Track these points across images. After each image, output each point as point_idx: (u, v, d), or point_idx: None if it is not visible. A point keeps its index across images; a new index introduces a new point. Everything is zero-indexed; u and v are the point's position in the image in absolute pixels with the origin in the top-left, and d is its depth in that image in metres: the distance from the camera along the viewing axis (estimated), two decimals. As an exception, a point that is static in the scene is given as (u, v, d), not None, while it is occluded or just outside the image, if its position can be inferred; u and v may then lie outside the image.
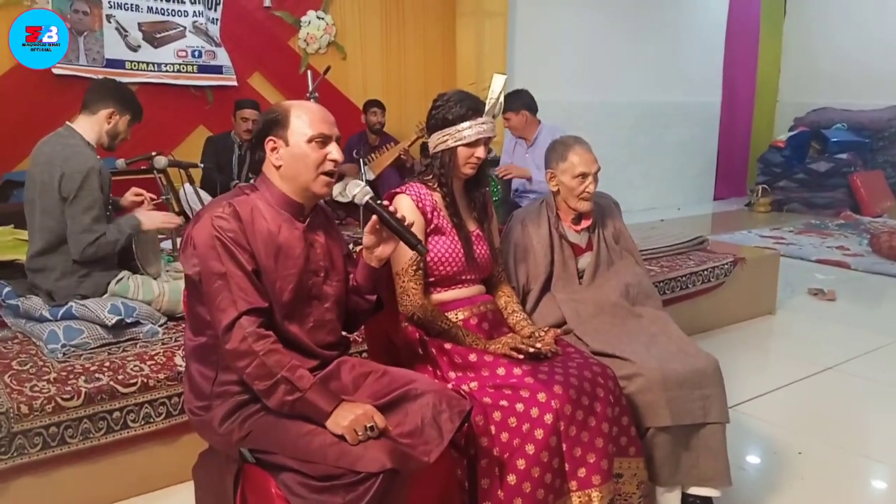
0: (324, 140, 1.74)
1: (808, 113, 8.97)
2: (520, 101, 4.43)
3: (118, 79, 3.23)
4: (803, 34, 9.46)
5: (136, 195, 3.06)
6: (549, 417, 1.87)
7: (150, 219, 2.92)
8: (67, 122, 2.83)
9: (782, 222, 7.70)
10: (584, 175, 2.44)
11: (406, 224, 1.76)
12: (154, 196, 3.16)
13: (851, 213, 7.83)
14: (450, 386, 1.96)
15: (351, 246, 2.02)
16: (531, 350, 2.02)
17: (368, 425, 1.54)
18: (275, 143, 1.74)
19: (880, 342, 4.05)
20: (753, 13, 9.26)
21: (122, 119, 2.85)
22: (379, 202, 1.77)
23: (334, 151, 1.75)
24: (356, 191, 1.79)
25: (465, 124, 2.13)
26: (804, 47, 9.43)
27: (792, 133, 8.79)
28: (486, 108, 2.17)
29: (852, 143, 8.30)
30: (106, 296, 2.79)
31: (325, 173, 1.75)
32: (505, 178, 4.44)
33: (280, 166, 1.75)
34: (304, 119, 1.73)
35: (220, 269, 1.63)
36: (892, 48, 8.48)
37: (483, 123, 2.14)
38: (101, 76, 4.43)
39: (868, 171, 8.22)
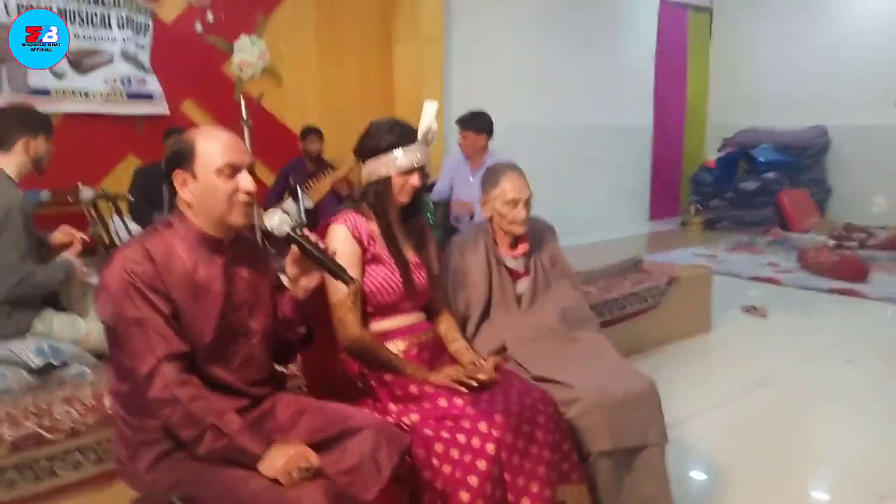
0: (233, 169, 1.65)
1: (736, 134, 9.27)
2: (482, 124, 4.47)
3: (43, 108, 3.11)
4: (730, 56, 9.80)
5: (66, 234, 2.93)
6: (490, 447, 1.85)
7: (82, 272, 2.81)
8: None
9: (715, 240, 7.92)
10: (515, 201, 2.46)
11: (331, 254, 1.72)
12: (84, 237, 3.03)
13: (780, 230, 8.09)
14: (390, 419, 1.93)
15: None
16: (474, 384, 1.99)
17: (304, 466, 1.50)
18: (183, 176, 1.66)
19: (811, 355, 4.17)
20: (681, 37, 9.57)
21: (37, 141, 2.73)
22: (300, 233, 1.71)
23: (245, 180, 1.66)
24: (275, 221, 1.70)
25: (399, 151, 2.12)
26: (731, 70, 9.77)
27: (721, 154, 9.07)
28: (419, 135, 2.16)
29: (779, 163, 8.60)
30: (30, 335, 2.67)
31: (240, 203, 1.67)
32: (458, 217, 4.43)
33: (190, 201, 1.67)
34: (212, 148, 1.64)
35: (135, 315, 1.56)
36: (814, 71, 8.85)
37: (416, 151, 2.13)
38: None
39: (794, 189, 8.52)
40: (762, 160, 8.57)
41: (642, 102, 9.04)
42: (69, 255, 2.84)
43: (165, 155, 1.72)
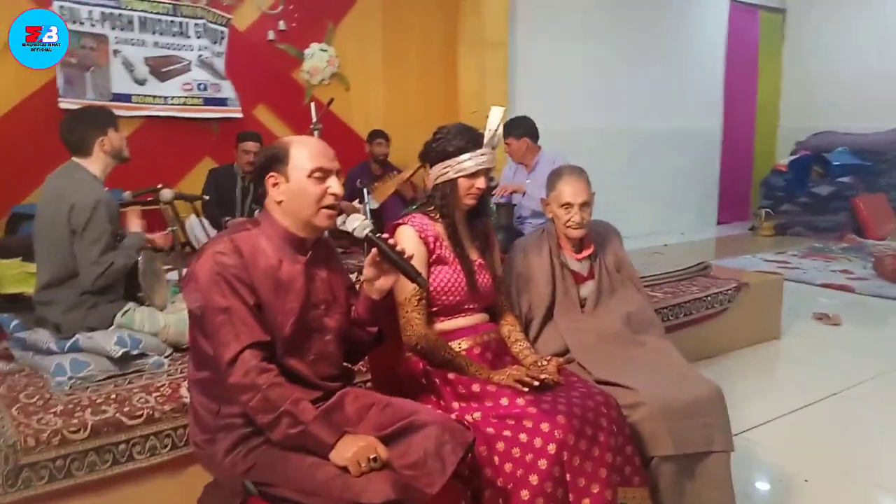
0: (323, 174, 1.76)
1: (810, 137, 9.01)
2: (521, 128, 4.49)
3: (124, 113, 3.26)
4: (803, 58, 9.53)
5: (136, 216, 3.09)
6: (552, 447, 1.87)
7: (156, 238, 3.01)
8: (73, 157, 2.87)
9: (786, 246, 7.71)
10: (568, 205, 2.48)
11: (406, 257, 1.78)
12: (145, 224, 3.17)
13: (855, 237, 7.82)
14: (453, 416, 1.97)
15: (354, 276, 2.04)
16: (535, 384, 2.02)
17: (371, 457, 1.55)
18: (276, 178, 1.77)
19: (886, 367, 4.03)
20: (752, 38, 9.36)
21: (109, 137, 2.86)
22: (378, 235, 1.79)
23: (335, 185, 1.78)
24: (356, 224, 1.81)
25: (465, 156, 2.16)
26: (803, 72, 9.50)
27: (793, 157, 8.82)
28: (485, 139, 2.20)
29: (854, 167, 8.32)
30: (112, 328, 2.81)
31: (326, 206, 1.77)
32: (502, 196, 4.50)
33: (281, 201, 1.77)
34: (304, 154, 1.76)
35: (222, 304, 1.66)
36: (890, 72, 8.54)
37: (482, 155, 2.17)
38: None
39: (871, 194, 8.23)
40: (837, 164, 8.29)
41: (711, 105, 8.87)
42: (133, 229, 2.98)
43: (258, 160, 1.83)
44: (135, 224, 3.06)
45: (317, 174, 1.75)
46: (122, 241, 2.90)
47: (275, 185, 1.78)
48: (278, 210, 1.79)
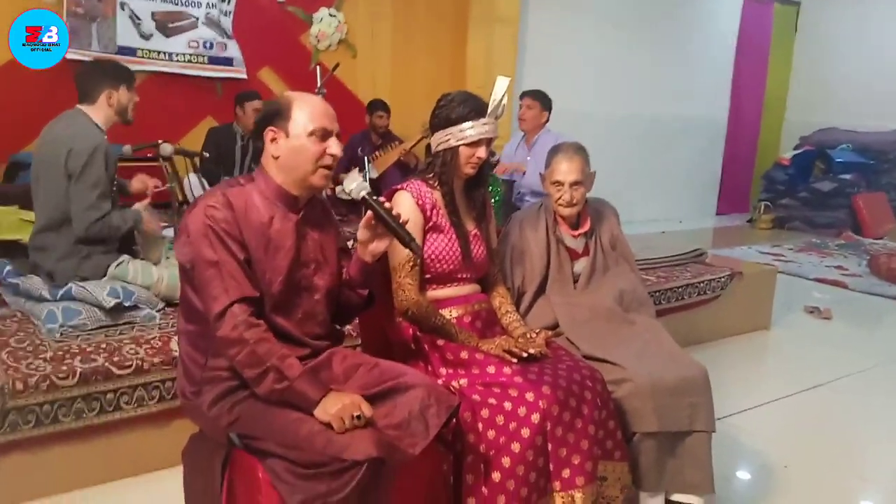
0: (324, 134, 1.75)
1: (815, 132, 9.00)
2: (549, 101, 4.54)
3: (130, 66, 3.25)
4: (814, 53, 9.48)
5: (142, 182, 3.11)
6: (535, 417, 1.89)
7: (150, 222, 3.00)
8: (77, 105, 2.86)
9: (783, 240, 7.72)
10: (559, 183, 2.47)
11: (402, 222, 1.78)
12: (159, 183, 3.20)
13: (852, 234, 7.84)
14: (440, 382, 1.99)
15: (351, 243, 2.03)
16: (524, 355, 2.03)
17: (356, 414, 1.56)
18: (275, 133, 1.75)
19: (873, 362, 4.06)
20: (765, 30, 9.29)
21: (120, 93, 2.88)
22: (375, 198, 1.78)
23: (334, 146, 1.76)
24: (353, 185, 1.79)
25: (468, 124, 2.15)
26: (814, 66, 9.45)
27: (797, 151, 8.81)
28: (489, 109, 2.19)
29: (857, 165, 8.31)
30: (106, 278, 2.82)
31: (324, 166, 1.76)
32: (501, 174, 4.50)
33: (278, 157, 1.76)
34: (307, 112, 1.74)
35: (212, 258, 1.65)
36: (901, 71, 8.51)
37: (485, 124, 2.16)
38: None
39: (871, 193, 8.23)
40: (839, 161, 8.29)
41: (719, 95, 8.83)
42: (139, 207, 3.00)
43: (259, 113, 1.81)
44: (140, 181, 3.08)
45: (318, 133, 1.74)
46: (125, 209, 2.91)
47: (273, 139, 1.76)
48: (274, 165, 1.78)
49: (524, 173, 4.47)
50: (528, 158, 4.51)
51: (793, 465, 2.84)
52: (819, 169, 8.51)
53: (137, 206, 3.03)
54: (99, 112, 2.85)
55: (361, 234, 1.82)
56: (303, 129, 1.73)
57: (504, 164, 4.57)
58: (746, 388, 3.57)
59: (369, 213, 1.78)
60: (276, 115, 1.75)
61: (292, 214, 1.80)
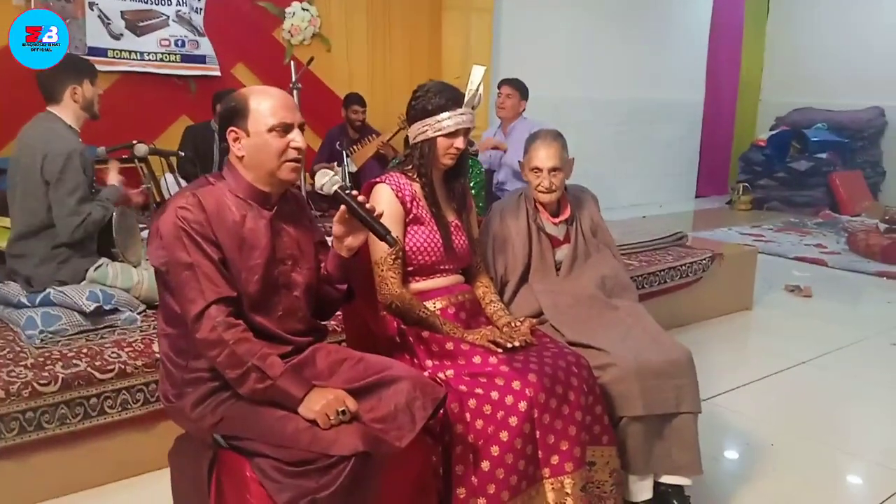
0: (285, 128, 1.70)
1: (790, 112, 9.07)
2: (526, 90, 4.55)
3: (100, 68, 3.20)
4: (787, 33, 9.53)
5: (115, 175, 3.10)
6: (523, 405, 1.89)
7: (129, 192, 3.03)
8: (48, 108, 2.82)
9: (762, 220, 7.79)
10: (537, 169, 2.48)
11: (376, 214, 1.75)
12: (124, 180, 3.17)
13: (830, 212, 7.92)
14: (426, 373, 1.98)
15: (331, 241, 2.01)
16: (509, 346, 2.03)
17: (340, 409, 1.56)
18: (236, 133, 1.72)
19: (854, 338, 4.11)
20: (737, 12, 9.32)
21: (84, 87, 2.84)
22: (348, 192, 1.75)
23: (297, 138, 1.72)
24: (325, 180, 1.77)
25: (445, 115, 2.14)
26: (787, 47, 9.50)
27: (773, 132, 8.87)
28: (466, 99, 2.18)
29: (832, 143, 8.38)
30: (84, 282, 2.79)
31: (290, 160, 1.72)
32: (483, 151, 4.54)
33: (243, 156, 1.73)
34: (265, 107, 1.70)
35: (186, 260, 1.63)
36: (874, 49, 8.57)
37: (462, 114, 2.16)
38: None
39: (847, 171, 8.32)
40: (815, 140, 8.36)
41: (694, 78, 8.87)
42: (113, 181, 2.99)
43: (218, 113, 1.77)
44: (114, 178, 3.04)
45: (278, 128, 1.69)
46: (99, 194, 2.88)
47: (235, 139, 1.73)
48: (240, 165, 1.75)
49: (506, 151, 4.47)
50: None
51: (779, 443, 2.86)
52: (795, 149, 8.57)
53: (110, 181, 2.99)
54: (67, 111, 2.81)
55: (336, 228, 1.79)
56: (263, 126, 1.69)
57: (487, 140, 4.58)
58: (731, 368, 3.60)
59: (342, 207, 1.76)
60: (234, 114, 1.72)
61: (265, 212, 1.77)
